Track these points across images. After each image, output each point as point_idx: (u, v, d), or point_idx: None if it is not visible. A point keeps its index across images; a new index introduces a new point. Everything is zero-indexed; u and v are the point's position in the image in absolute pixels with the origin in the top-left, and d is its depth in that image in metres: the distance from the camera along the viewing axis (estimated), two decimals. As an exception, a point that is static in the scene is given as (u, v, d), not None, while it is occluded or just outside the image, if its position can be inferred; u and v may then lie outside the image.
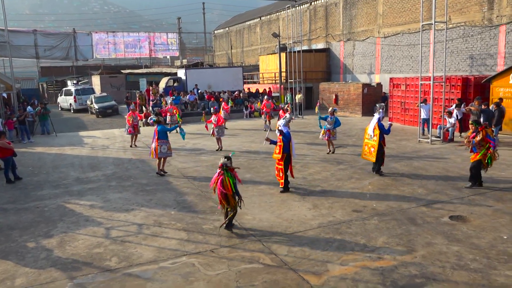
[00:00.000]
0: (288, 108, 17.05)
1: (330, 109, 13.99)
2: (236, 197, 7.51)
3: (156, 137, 11.81)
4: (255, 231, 7.58)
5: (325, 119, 13.68)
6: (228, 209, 7.56)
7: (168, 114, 19.74)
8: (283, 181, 9.80)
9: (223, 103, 22.49)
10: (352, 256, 6.45)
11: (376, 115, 11.08)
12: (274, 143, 9.92)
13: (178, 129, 12.65)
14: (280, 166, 9.76)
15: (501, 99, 15.25)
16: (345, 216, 8.21)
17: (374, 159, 10.98)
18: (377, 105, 11.90)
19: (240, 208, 7.71)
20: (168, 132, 12.11)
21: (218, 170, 7.47)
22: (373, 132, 10.98)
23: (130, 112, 17.11)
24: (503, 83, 16.26)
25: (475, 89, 17.21)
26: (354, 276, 5.84)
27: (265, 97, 21.64)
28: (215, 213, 8.60)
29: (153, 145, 11.84)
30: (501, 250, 6.49)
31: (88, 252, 6.96)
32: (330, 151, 13.93)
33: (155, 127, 12.10)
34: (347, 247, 6.79)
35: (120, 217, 8.63)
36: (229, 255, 6.64)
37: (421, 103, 16.60)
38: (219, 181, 7.36)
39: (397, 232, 7.30)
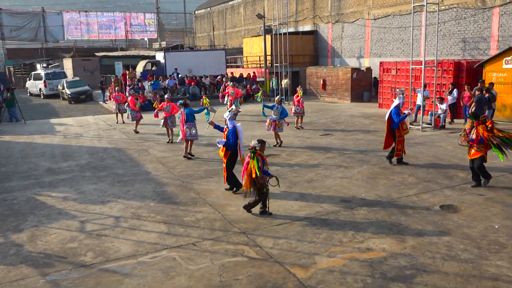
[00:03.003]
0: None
1: (277, 98, 13.69)
2: (264, 180, 7.64)
3: (183, 120, 12.01)
4: (239, 223, 7.60)
5: (271, 108, 13.31)
6: (255, 195, 7.74)
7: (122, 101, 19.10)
8: (225, 179, 9.23)
9: (227, 87, 21.78)
10: (340, 248, 6.53)
11: (396, 101, 10.91)
12: (219, 129, 9.54)
13: (206, 110, 12.62)
14: (224, 165, 9.24)
15: (491, 84, 15.50)
16: (333, 206, 8.28)
17: (383, 147, 11.09)
18: (398, 90, 11.80)
19: (278, 186, 7.85)
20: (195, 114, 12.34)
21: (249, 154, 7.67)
22: (387, 117, 10.76)
23: (131, 97, 17.01)
24: (496, 67, 16.51)
25: (467, 73, 17.44)
26: (342, 269, 5.91)
27: (230, 83, 20.82)
28: (196, 205, 8.59)
29: (181, 128, 12.15)
30: (492, 239, 6.65)
31: (61, 247, 6.88)
32: (277, 143, 13.44)
33: (182, 109, 12.26)
34: (335, 238, 6.87)
35: (96, 210, 8.55)
36: (211, 248, 6.65)
37: (413, 88, 16.77)
38: (245, 163, 7.62)
39: (387, 223, 7.41)
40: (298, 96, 16.11)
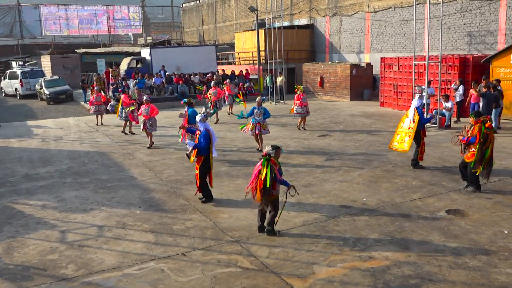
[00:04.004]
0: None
1: (257, 98, 13.54)
2: (278, 192, 7.30)
3: (186, 121, 11.97)
4: (232, 231, 7.60)
5: (251, 113, 13.07)
6: (269, 209, 7.33)
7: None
8: (198, 187, 9.07)
9: (226, 85, 21.65)
10: (341, 257, 6.55)
11: (415, 101, 10.91)
12: (192, 132, 9.41)
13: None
14: (196, 171, 9.05)
15: (498, 80, 15.62)
16: (332, 212, 8.31)
17: (407, 149, 10.77)
18: (417, 88, 11.74)
19: (281, 209, 7.40)
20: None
21: (261, 160, 7.33)
22: (413, 118, 10.69)
23: (125, 95, 17.02)
24: (504, 62, 16.63)
25: (473, 69, 17.56)
26: (343, 278, 5.93)
27: (212, 82, 20.84)
28: (186, 212, 8.58)
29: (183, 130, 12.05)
30: (501, 246, 6.70)
31: (40, 259, 6.84)
32: (259, 147, 13.21)
33: (185, 109, 12.17)
34: (335, 246, 6.89)
35: (77, 218, 8.51)
36: (203, 259, 6.65)
37: (416, 85, 16.86)
38: (256, 171, 7.24)
39: (390, 229, 7.45)
40: (297, 93, 16.00)
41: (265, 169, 7.11)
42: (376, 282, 5.81)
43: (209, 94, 18.91)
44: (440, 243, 6.85)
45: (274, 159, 7.24)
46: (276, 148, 7.30)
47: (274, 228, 7.40)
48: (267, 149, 7.30)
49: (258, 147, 13.33)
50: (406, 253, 6.56)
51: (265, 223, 7.43)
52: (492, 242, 6.83)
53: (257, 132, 13.20)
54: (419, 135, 10.79)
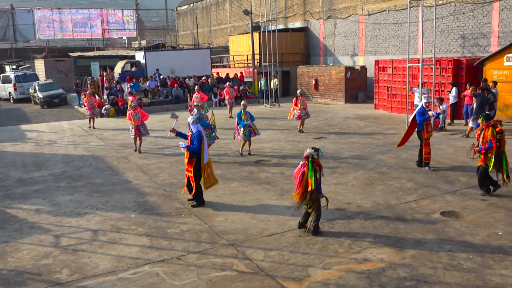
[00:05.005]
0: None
1: (242, 102, 13.50)
2: (319, 195, 7.37)
3: None
4: (228, 234, 7.60)
5: (240, 117, 12.97)
6: (309, 209, 7.43)
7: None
8: (194, 191, 8.97)
9: (225, 88, 21.71)
10: (336, 259, 6.56)
11: (420, 102, 11.06)
12: (183, 136, 9.36)
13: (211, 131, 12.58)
14: (189, 174, 8.95)
15: (495, 82, 15.72)
16: (327, 214, 8.30)
17: (397, 146, 11.57)
18: (413, 89, 11.89)
19: (326, 208, 7.52)
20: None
21: (302, 162, 7.39)
22: (412, 118, 11.06)
23: (133, 97, 16.88)
24: (497, 65, 16.75)
25: (467, 72, 17.67)
26: (338, 281, 5.94)
27: (196, 87, 20.91)
28: (181, 215, 8.56)
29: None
30: (496, 247, 6.74)
31: (34, 264, 6.81)
32: (244, 151, 13.22)
33: (194, 111, 12.12)
34: (330, 249, 6.90)
35: (72, 223, 8.48)
36: (198, 262, 6.64)
37: (411, 88, 16.93)
38: (300, 174, 7.33)
39: (385, 231, 7.47)
40: (297, 100, 15.96)
41: (311, 171, 7.22)
42: (372, 284, 5.82)
43: (194, 97, 18.86)
44: (435, 245, 6.87)
45: (317, 160, 7.34)
46: (317, 150, 7.41)
47: (319, 226, 7.51)
48: (308, 151, 7.37)
49: (240, 152, 13.26)
50: (401, 255, 6.58)
51: (312, 224, 7.48)
52: (486, 244, 6.86)
53: (253, 135, 13.17)
54: (421, 135, 10.95)
